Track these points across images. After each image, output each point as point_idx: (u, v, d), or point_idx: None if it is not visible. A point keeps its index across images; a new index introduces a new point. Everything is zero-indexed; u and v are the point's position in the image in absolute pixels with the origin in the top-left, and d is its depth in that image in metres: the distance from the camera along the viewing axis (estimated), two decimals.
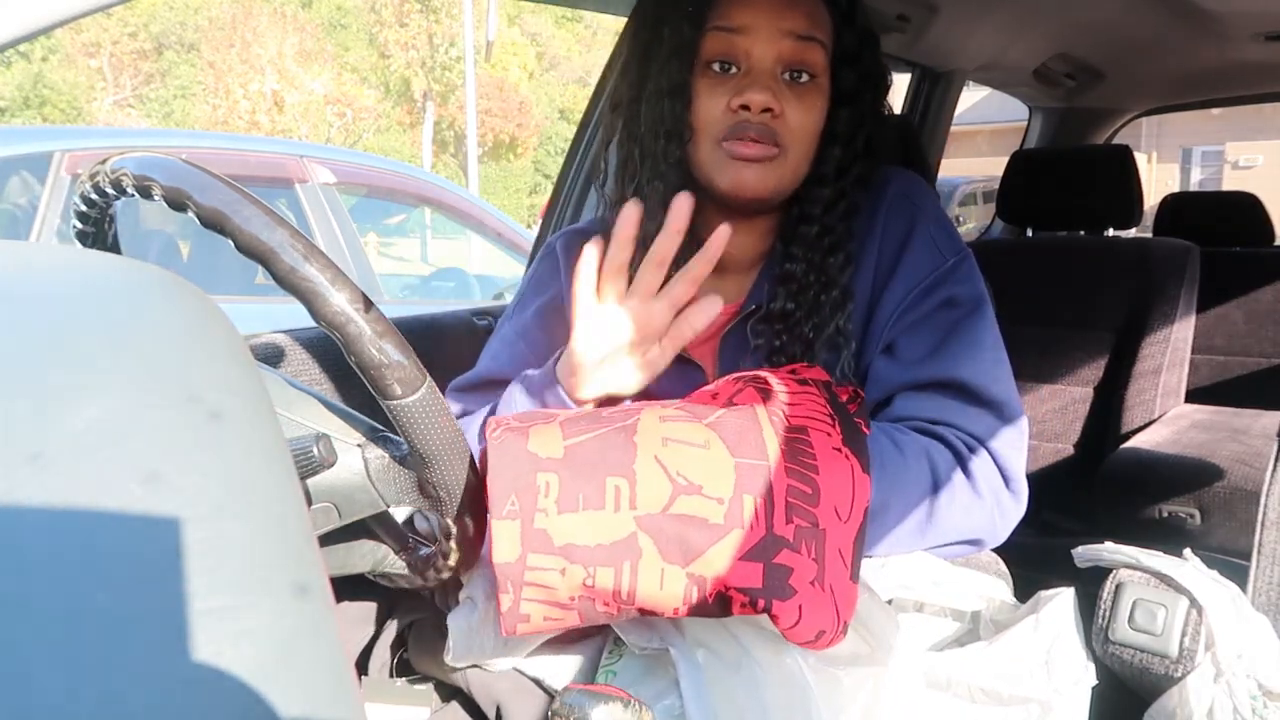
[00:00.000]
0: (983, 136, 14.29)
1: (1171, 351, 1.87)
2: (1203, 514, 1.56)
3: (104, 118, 20.76)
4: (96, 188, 0.59)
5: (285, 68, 20.44)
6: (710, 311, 0.81)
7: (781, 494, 0.62)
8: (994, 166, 2.54)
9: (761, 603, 0.60)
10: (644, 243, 0.81)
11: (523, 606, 0.61)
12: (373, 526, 0.66)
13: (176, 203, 0.53)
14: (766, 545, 0.60)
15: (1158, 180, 17.91)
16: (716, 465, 0.62)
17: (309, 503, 0.59)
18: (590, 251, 0.80)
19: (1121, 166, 2.02)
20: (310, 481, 0.58)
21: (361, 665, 0.79)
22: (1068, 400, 1.97)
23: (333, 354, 1.30)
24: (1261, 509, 0.86)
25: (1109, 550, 0.84)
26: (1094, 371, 1.96)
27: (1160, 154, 18.81)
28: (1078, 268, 2.01)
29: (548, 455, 0.62)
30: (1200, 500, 1.56)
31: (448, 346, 1.55)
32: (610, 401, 0.83)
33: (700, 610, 0.62)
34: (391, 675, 0.79)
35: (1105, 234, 2.12)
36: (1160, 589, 0.80)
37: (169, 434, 0.26)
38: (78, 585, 0.23)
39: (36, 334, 0.27)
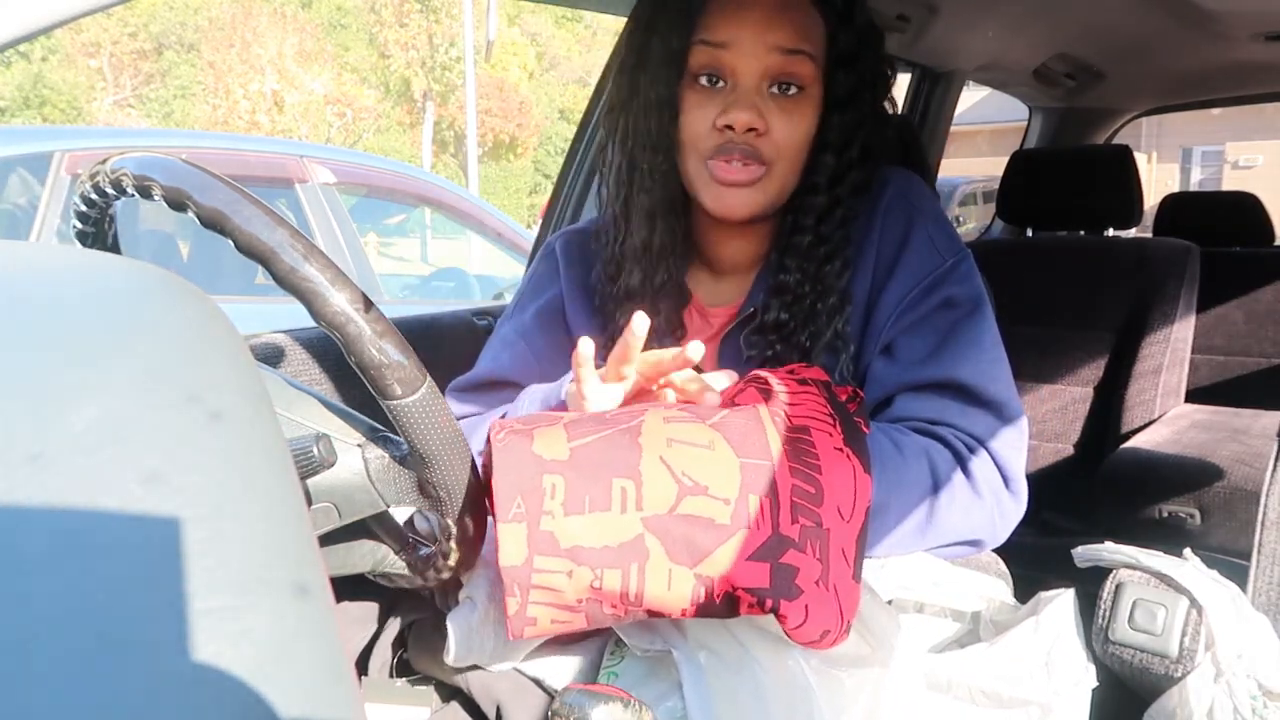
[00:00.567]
0: (983, 136, 14.28)
1: (1171, 351, 1.87)
2: (1203, 514, 1.56)
3: (104, 118, 20.75)
4: (96, 188, 0.59)
5: (285, 68, 20.43)
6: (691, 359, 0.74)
7: (786, 494, 0.62)
8: (994, 166, 2.54)
9: (769, 603, 0.60)
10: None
11: (530, 610, 0.61)
12: (373, 526, 0.66)
13: (176, 203, 0.53)
14: (772, 545, 0.60)
15: (1158, 180, 17.89)
16: (722, 466, 0.62)
17: (309, 503, 0.59)
18: (586, 345, 0.74)
19: (1121, 166, 2.03)
20: (310, 481, 0.58)
21: (361, 665, 0.79)
22: (1068, 400, 1.97)
23: (333, 354, 1.30)
24: (1261, 509, 0.86)
25: (1109, 550, 0.84)
26: (1094, 371, 1.95)
27: (1160, 154, 18.79)
28: (1078, 268, 2.01)
29: (553, 457, 0.61)
30: (1200, 500, 1.56)
31: (448, 346, 1.54)
32: None
33: (707, 611, 0.62)
34: (391, 675, 0.79)
35: (1105, 234, 2.12)
36: (1160, 589, 0.80)
37: (169, 434, 0.26)
38: (78, 585, 0.23)
39: (36, 334, 0.27)
